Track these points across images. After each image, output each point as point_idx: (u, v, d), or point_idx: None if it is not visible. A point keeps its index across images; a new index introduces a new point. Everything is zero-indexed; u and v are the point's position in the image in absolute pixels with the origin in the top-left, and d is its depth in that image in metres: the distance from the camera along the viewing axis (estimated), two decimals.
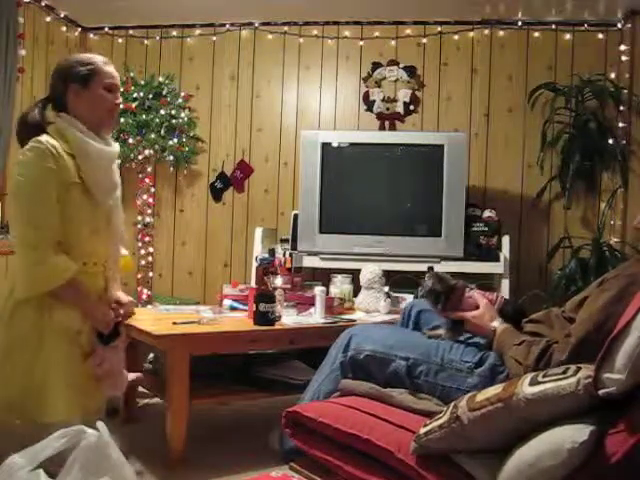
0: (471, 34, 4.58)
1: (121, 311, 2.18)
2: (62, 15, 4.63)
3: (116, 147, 2.24)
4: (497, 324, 2.08)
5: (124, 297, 2.25)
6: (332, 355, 2.27)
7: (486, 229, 4.09)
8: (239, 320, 2.78)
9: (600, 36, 4.40)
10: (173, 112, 4.73)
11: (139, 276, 4.82)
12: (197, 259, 4.90)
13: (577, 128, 4.25)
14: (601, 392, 1.45)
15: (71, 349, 2.04)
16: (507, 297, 2.32)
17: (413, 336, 2.30)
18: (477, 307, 2.16)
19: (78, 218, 2.06)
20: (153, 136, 4.65)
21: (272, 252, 3.26)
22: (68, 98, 2.12)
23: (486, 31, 4.56)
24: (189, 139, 4.78)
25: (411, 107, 4.64)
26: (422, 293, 2.24)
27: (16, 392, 2.01)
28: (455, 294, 2.19)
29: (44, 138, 2.02)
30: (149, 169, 4.80)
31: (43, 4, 4.39)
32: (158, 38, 4.89)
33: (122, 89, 4.66)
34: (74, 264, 2.03)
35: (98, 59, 2.19)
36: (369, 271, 3.25)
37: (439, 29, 4.60)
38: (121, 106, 2.34)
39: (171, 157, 4.73)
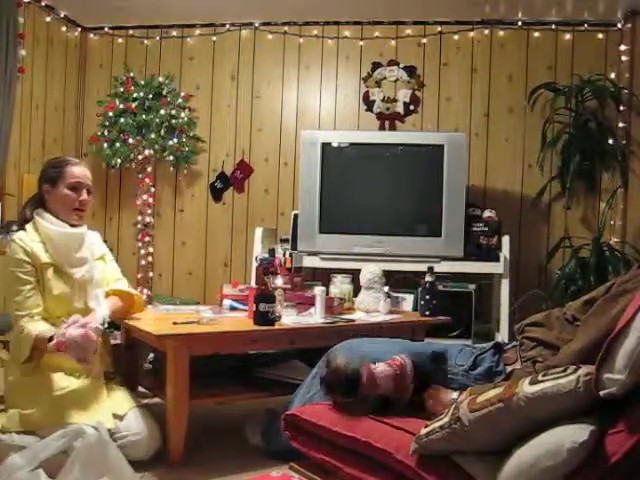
0: (471, 34, 4.58)
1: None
2: (62, 15, 4.63)
3: (82, 229, 2.56)
4: (455, 395, 1.88)
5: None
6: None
7: (486, 229, 4.09)
8: (239, 320, 2.77)
9: (600, 36, 4.40)
10: (173, 112, 4.72)
11: (139, 276, 4.82)
12: (197, 259, 4.90)
13: (577, 128, 4.25)
14: (602, 393, 1.45)
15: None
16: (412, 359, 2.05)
17: (405, 345, 2.29)
18: (391, 377, 1.97)
19: (51, 290, 2.40)
20: (153, 136, 4.65)
21: (272, 252, 3.25)
22: (44, 196, 2.52)
23: (486, 31, 4.56)
24: (189, 139, 4.78)
25: (411, 107, 4.64)
26: (325, 378, 2.03)
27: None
28: (368, 376, 1.97)
29: (16, 235, 2.45)
30: (149, 169, 4.79)
31: (43, 4, 4.39)
32: (158, 38, 4.89)
33: (122, 89, 4.72)
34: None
35: (68, 161, 2.56)
36: (369, 271, 3.23)
37: (439, 29, 4.60)
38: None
39: (171, 157, 4.73)
